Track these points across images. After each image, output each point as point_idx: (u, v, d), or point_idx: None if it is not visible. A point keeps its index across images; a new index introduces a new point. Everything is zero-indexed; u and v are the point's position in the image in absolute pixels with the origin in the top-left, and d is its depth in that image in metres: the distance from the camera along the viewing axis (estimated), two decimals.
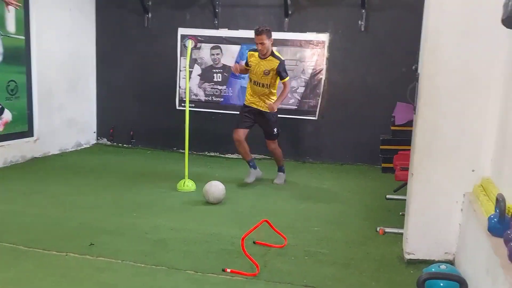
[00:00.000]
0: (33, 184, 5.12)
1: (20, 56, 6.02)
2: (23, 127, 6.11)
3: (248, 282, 2.97)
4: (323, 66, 6.71)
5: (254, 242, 3.58)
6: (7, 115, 5.88)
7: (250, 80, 5.43)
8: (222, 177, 5.78)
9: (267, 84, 5.31)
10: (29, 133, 6.21)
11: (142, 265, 3.17)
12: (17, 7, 5.84)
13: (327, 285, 2.98)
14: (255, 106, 5.42)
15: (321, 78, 6.73)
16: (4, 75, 5.83)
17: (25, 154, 6.17)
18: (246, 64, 5.44)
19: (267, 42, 5.17)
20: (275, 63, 5.22)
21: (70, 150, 7.04)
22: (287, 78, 5.31)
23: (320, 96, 6.76)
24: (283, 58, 5.36)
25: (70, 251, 3.33)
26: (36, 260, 3.19)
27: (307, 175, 6.12)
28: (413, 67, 3.91)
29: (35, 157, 6.33)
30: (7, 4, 5.73)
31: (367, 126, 6.61)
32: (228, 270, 3.10)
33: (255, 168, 5.61)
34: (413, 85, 3.57)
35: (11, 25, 5.85)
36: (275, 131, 5.47)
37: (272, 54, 5.28)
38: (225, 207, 4.57)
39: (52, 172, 5.72)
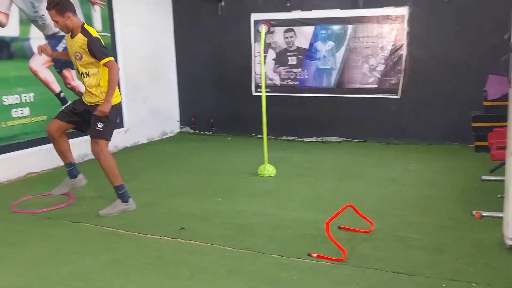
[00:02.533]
0: (125, 172, 5.35)
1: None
2: None
3: (335, 267, 2.94)
4: (404, 41, 6.40)
5: (339, 227, 3.53)
6: None
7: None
8: (301, 161, 5.79)
9: (85, 73, 3.95)
10: (119, 124, 6.58)
11: (230, 248, 3.25)
12: (102, 6, 6.20)
13: (419, 271, 2.86)
14: (83, 99, 4.15)
15: (402, 54, 6.44)
16: None
17: (118, 144, 6.57)
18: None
19: (61, 19, 3.82)
20: (83, 41, 3.84)
21: (157, 139, 7.39)
22: (107, 59, 3.85)
23: (402, 73, 6.46)
24: (95, 35, 3.90)
25: (163, 235, 3.50)
26: (134, 243, 3.40)
27: (391, 157, 5.91)
28: (505, 36, 3.61)
29: (127, 147, 6.73)
30: (93, 4, 6.09)
31: (454, 103, 6.23)
32: (314, 255, 3.08)
33: (72, 176, 4.42)
34: (507, 56, 3.29)
35: (97, 24, 6.20)
36: (100, 126, 3.95)
37: (82, 30, 3.88)
38: (306, 191, 4.55)
39: (141, 161, 6.03)
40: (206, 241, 3.37)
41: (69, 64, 5.77)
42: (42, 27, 5.44)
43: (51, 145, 5.52)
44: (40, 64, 5.45)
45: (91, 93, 4.02)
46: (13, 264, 3.09)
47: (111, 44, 6.41)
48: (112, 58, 3.92)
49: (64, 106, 4.32)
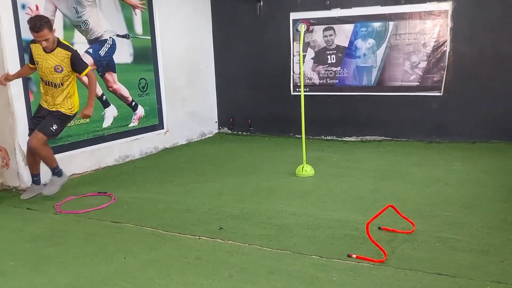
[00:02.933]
0: (165, 173, 5.54)
1: (147, 55, 6.52)
2: (154, 121, 6.64)
3: (376, 269, 2.88)
4: (447, 37, 6.21)
5: (379, 228, 3.46)
6: (141, 111, 6.43)
7: (42, 80, 4.42)
8: (340, 160, 5.71)
9: (60, 84, 4.33)
10: (159, 126, 6.73)
11: (268, 249, 3.25)
12: (143, 10, 6.35)
13: (463, 273, 2.77)
14: (46, 106, 4.46)
15: (445, 51, 6.24)
16: (135, 74, 6.36)
17: (158, 145, 6.71)
18: (32, 61, 4.39)
19: (51, 36, 4.17)
20: (66, 55, 4.23)
21: (196, 140, 7.49)
22: (88, 69, 4.34)
23: (445, 70, 6.27)
24: (74, 48, 4.40)
25: (203, 235, 3.54)
26: (174, 243, 3.45)
27: (434, 155, 5.74)
28: None
29: (166, 148, 6.85)
30: (135, 7, 6.25)
31: (500, 100, 5.99)
32: (354, 255, 3.04)
33: (38, 183, 4.64)
34: None
35: (138, 27, 6.35)
36: (54, 128, 4.38)
37: (60, 45, 4.25)
38: (346, 192, 4.49)
39: (181, 162, 6.13)
40: (244, 241, 3.39)
41: (111, 68, 5.96)
42: (85, 32, 5.62)
43: (93, 147, 5.75)
44: None
45: (55, 102, 4.42)
46: (57, 264, 3.19)
47: (151, 47, 6.55)
48: (90, 67, 4.40)
49: (32, 118, 4.61)
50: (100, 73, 5.83)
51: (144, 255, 3.25)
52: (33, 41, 4.31)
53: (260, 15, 7.32)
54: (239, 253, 3.21)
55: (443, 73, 6.28)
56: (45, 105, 4.50)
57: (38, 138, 4.34)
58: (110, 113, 5.99)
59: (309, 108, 5.98)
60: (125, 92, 6.18)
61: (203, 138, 7.66)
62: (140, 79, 6.42)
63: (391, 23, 6.49)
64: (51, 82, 4.35)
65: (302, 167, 5.15)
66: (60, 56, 4.24)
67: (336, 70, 6.96)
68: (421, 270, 2.83)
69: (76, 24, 5.51)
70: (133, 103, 6.32)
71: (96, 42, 5.74)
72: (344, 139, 7.02)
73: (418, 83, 6.45)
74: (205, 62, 7.68)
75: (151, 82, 6.58)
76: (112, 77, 5.99)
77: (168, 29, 6.83)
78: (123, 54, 6.14)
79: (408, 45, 6.45)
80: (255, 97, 7.60)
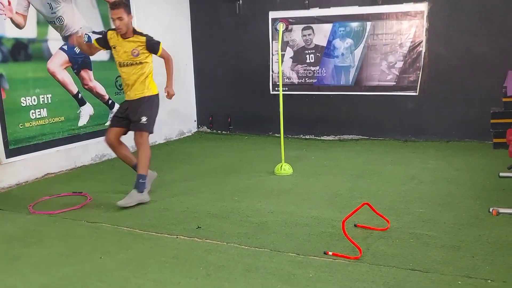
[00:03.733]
0: None
1: None
2: None
3: (351, 265, 2.93)
4: (423, 38, 6.32)
5: (355, 225, 3.51)
6: None
7: (119, 65, 4.44)
8: (318, 159, 5.76)
9: (138, 62, 4.37)
10: None
11: (246, 247, 3.26)
12: None
13: (435, 268, 2.83)
14: (127, 98, 4.47)
15: (421, 51, 6.36)
16: (112, 72, 6.26)
17: (134, 144, 6.62)
18: (102, 43, 4.45)
19: (126, 18, 4.23)
20: (141, 41, 4.34)
21: (174, 139, 7.45)
22: (161, 49, 4.44)
23: (421, 70, 6.38)
24: (147, 34, 4.45)
25: (180, 234, 3.53)
26: (151, 242, 3.43)
27: (409, 154, 5.84)
28: None
29: None
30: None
31: (474, 100, 6.13)
32: (330, 253, 3.08)
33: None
34: None
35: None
36: (144, 120, 4.31)
37: (135, 32, 4.36)
38: (323, 190, 4.53)
39: (159, 161, 6.07)
40: (222, 240, 3.39)
41: (87, 65, 5.88)
42: (59, 28, 5.54)
43: (68, 146, 5.67)
44: (58, 65, 5.55)
45: (134, 88, 4.39)
46: (30, 264, 3.14)
47: None
48: (162, 45, 4.45)
49: (112, 114, 4.67)
50: (75, 71, 5.75)
51: (121, 255, 3.22)
52: (109, 30, 4.46)
53: (239, 14, 7.32)
54: (217, 251, 3.22)
55: (419, 73, 6.40)
56: (126, 98, 4.48)
57: (137, 136, 4.35)
58: (86, 112, 5.92)
59: (288, 107, 6.01)
60: (101, 90, 6.11)
61: (182, 137, 7.62)
62: (117, 77, 6.34)
63: (368, 23, 6.58)
64: (128, 63, 4.37)
65: (281, 166, 5.18)
66: (137, 42, 4.34)
67: (314, 70, 7.01)
68: (395, 266, 2.88)
69: (50, 20, 5.43)
70: (110, 101, 6.25)
71: None
72: (322, 138, 7.08)
73: (394, 83, 6.55)
74: (184, 61, 7.64)
75: None
76: (88, 74, 5.92)
77: (146, 27, 6.73)
78: (99, 52, 6.05)
79: (385, 45, 6.54)
80: (234, 96, 7.60)
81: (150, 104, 4.43)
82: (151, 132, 4.42)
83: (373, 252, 3.08)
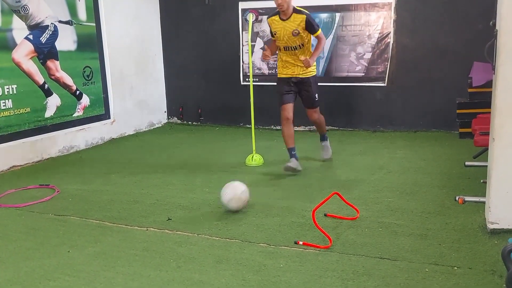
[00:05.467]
0: (112, 164, 5.41)
1: (92, 42, 6.31)
2: (100, 111, 6.45)
3: (321, 254, 2.97)
4: (390, 29, 6.41)
5: (325, 215, 3.55)
6: (85, 100, 6.22)
7: (279, 49, 4.77)
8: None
9: (299, 45, 4.65)
10: (106, 115, 6.55)
11: (217, 238, 3.26)
12: None
13: (403, 256, 2.90)
14: (291, 76, 4.78)
15: (389, 42, 6.45)
16: (79, 62, 6.14)
17: (104, 136, 6.53)
18: (272, 34, 4.78)
19: None
20: (301, 19, 4.55)
21: (144, 130, 7.35)
22: (320, 31, 4.66)
23: (389, 61, 6.48)
24: (306, 11, 4.66)
25: (150, 226, 3.50)
26: (120, 235, 3.39)
27: (378, 144, 5.94)
28: (491, 23, 3.61)
29: (113, 138, 6.69)
30: None
31: (441, 90, 6.27)
32: (301, 242, 3.11)
33: (296, 158, 4.84)
34: (491, 43, 3.30)
35: (82, 14, 6.12)
36: (316, 96, 4.88)
37: (295, 11, 4.60)
38: (294, 180, 4.56)
39: (128, 152, 6.00)
40: (193, 231, 3.38)
41: (53, 55, 5.72)
42: (24, 18, 5.36)
43: (35, 138, 5.52)
44: (23, 55, 5.38)
45: (299, 66, 4.70)
46: None
47: (96, 34, 6.34)
48: (320, 30, 4.66)
49: (284, 91, 4.78)
50: (41, 61, 5.59)
51: (89, 248, 3.17)
52: (269, 17, 4.76)
53: (208, 4, 7.24)
54: (188, 243, 3.21)
55: (387, 64, 6.49)
56: (289, 74, 4.76)
57: (313, 113, 4.95)
58: (53, 102, 5.77)
59: (259, 98, 6.00)
60: (68, 80, 5.96)
61: (152, 128, 7.53)
62: (85, 67, 6.21)
63: (337, 15, 6.62)
64: (291, 47, 4.65)
65: (252, 157, 5.18)
66: (297, 21, 4.54)
67: None
68: (364, 255, 2.94)
69: (14, 9, 5.25)
70: (78, 92, 6.11)
71: (36, 28, 5.49)
72: None
73: (363, 74, 6.63)
74: (153, 51, 7.53)
75: (96, 71, 6.38)
76: (54, 65, 5.76)
77: (114, 16, 6.63)
78: (66, 41, 5.91)
79: (354, 36, 6.60)
80: (205, 87, 7.55)
81: (316, 83, 4.88)
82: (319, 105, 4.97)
83: (342, 241, 3.13)
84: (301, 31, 4.56)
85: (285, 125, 4.80)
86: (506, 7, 2.91)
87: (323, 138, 5.26)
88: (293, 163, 4.72)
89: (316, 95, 4.86)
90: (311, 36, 4.68)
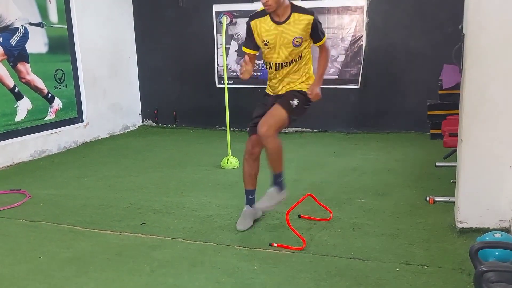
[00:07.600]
0: (85, 168, 5.33)
1: (64, 45, 6.20)
2: (73, 114, 6.35)
3: (295, 256, 3.00)
4: (363, 32, 6.51)
5: (299, 216, 3.59)
6: (57, 103, 6.11)
7: (269, 67, 3.42)
8: (263, 152, 5.80)
9: (298, 57, 3.31)
10: (79, 119, 6.44)
11: (192, 241, 3.26)
12: None
13: (375, 256, 2.95)
14: (277, 94, 3.51)
15: (362, 45, 6.55)
16: (51, 64, 6.03)
17: (77, 139, 6.42)
18: (255, 46, 3.37)
19: None
20: (306, 20, 3.17)
21: (118, 133, 7.26)
22: (325, 38, 3.35)
23: (362, 64, 6.58)
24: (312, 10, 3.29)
25: (124, 230, 3.47)
26: (93, 239, 3.35)
27: (352, 146, 6.03)
28: (460, 26, 3.72)
29: (86, 142, 6.58)
30: None
31: (412, 92, 6.40)
32: (275, 244, 3.13)
33: (252, 203, 3.56)
34: (459, 46, 3.40)
35: (53, 16, 6.01)
36: (295, 102, 3.36)
37: (295, 8, 3.19)
38: (268, 182, 4.56)
39: (102, 156, 5.92)
40: (167, 235, 3.36)
41: (24, 58, 5.61)
42: None
43: (5, 142, 5.40)
44: None
45: (290, 80, 3.38)
46: None
47: (68, 36, 6.24)
48: (326, 37, 3.37)
49: (260, 114, 3.44)
50: (11, 64, 5.47)
51: (61, 254, 3.12)
52: (251, 18, 3.27)
53: (182, 6, 7.22)
54: (162, 247, 3.19)
55: (360, 67, 6.59)
56: (276, 92, 3.45)
57: (276, 115, 3.28)
58: (24, 106, 5.65)
59: (234, 100, 6.01)
60: (40, 83, 5.85)
61: (126, 131, 7.45)
62: (57, 70, 6.10)
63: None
64: (287, 63, 3.28)
65: (227, 159, 5.19)
66: (300, 24, 3.15)
67: (259, 63, 7.03)
68: (337, 255, 2.98)
69: None
70: (49, 95, 6.00)
71: (6, 31, 5.37)
72: None
73: (337, 76, 6.71)
74: (127, 53, 7.45)
75: (68, 73, 6.28)
76: (25, 67, 5.64)
77: (86, 18, 6.54)
78: (37, 44, 5.80)
79: (327, 39, 6.63)
80: (180, 89, 7.51)
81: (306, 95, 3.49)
82: (290, 113, 3.48)
83: (316, 243, 3.17)
84: (304, 39, 3.22)
85: (247, 160, 3.57)
86: (472, 12, 3.00)
87: (275, 179, 3.45)
88: (244, 214, 3.48)
89: (296, 100, 3.36)
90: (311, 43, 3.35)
